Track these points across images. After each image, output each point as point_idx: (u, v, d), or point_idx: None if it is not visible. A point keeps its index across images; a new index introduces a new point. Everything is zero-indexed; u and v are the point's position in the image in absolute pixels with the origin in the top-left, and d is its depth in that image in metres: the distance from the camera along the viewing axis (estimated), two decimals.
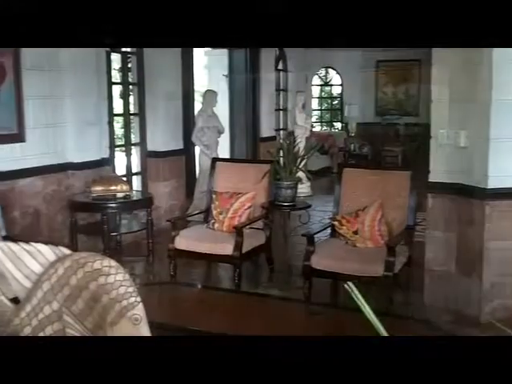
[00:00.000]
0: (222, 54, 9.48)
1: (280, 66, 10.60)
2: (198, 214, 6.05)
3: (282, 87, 10.69)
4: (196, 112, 7.83)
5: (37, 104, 5.35)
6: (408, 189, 4.83)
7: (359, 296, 1.33)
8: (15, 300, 2.56)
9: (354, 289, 1.35)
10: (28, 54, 5.18)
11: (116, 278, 2.33)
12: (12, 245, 2.42)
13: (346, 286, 1.43)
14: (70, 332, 2.37)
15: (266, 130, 9.90)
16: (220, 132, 7.63)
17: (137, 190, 6.63)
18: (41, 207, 5.45)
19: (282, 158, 5.11)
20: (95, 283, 2.32)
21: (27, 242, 2.45)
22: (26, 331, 2.44)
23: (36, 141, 5.35)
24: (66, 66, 5.59)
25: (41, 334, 2.41)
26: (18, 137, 5.18)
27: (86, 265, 2.33)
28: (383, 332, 1.38)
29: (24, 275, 2.43)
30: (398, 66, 12.75)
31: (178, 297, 5.12)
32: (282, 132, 10.75)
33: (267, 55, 9.70)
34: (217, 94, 7.62)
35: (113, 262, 2.35)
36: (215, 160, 6.06)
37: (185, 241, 5.17)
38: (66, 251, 2.42)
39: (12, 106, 5.10)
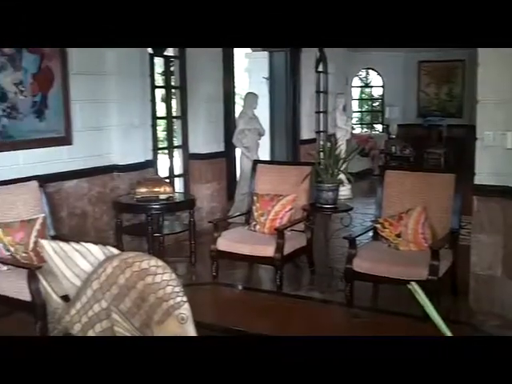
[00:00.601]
0: (262, 57, 9.53)
1: (320, 68, 10.58)
2: (239, 215, 6.09)
3: (322, 89, 10.66)
4: (237, 114, 7.89)
5: (83, 107, 5.47)
6: (452, 191, 4.76)
7: (423, 296, 1.33)
8: (65, 298, 2.64)
9: (418, 289, 1.35)
10: (74, 59, 5.31)
11: (163, 277, 2.39)
12: (63, 244, 2.50)
13: (409, 286, 1.42)
14: (118, 330, 2.43)
15: (306, 133, 9.89)
16: (260, 134, 7.67)
17: (179, 192, 6.72)
18: (87, 208, 5.57)
19: (323, 160, 5.09)
20: (143, 282, 2.38)
21: (76, 241, 2.54)
22: (76, 328, 2.52)
23: (82, 143, 5.47)
24: (111, 71, 5.71)
25: (90, 332, 2.48)
26: (66, 140, 5.31)
27: (133, 264, 2.39)
28: (447, 332, 1.38)
29: (74, 274, 2.51)
30: (441, 67, 12.58)
31: (220, 297, 5.17)
32: (322, 134, 10.72)
33: (307, 57, 9.70)
34: (257, 97, 7.66)
35: (160, 262, 2.40)
36: (256, 162, 6.09)
37: (227, 242, 5.21)
38: (115, 251, 2.48)
39: (60, 109, 5.23)
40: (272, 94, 9.42)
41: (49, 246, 2.49)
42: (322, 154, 5.47)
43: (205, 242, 6.02)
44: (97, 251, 2.47)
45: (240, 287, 5.49)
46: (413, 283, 1.40)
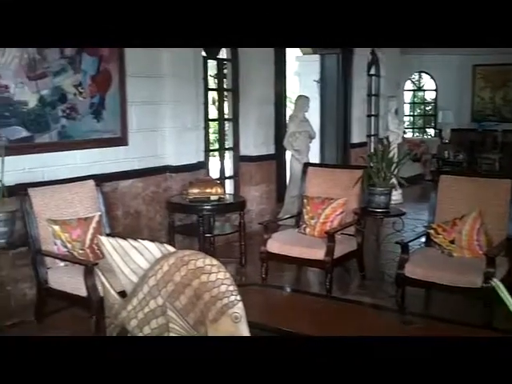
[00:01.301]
0: (313, 60, 9.52)
1: (372, 71, 10.49)
2: (289, 218, 6.10)
3: (373, 92, 10.57)
4: (287, 117, 7.91)
5: (139, 109, 5.60)
6: (509, 197, 4.66)
7: (506, 294, 1.30)
8: (122, 294, 2.71)
9: (501, 286, 1.33)
10: (131, 61, 5.44)
11: (217, 276, 2.42)
12: (121, 241, 2.57)
13: (492, 283, 1.42)
14: (173, 327, 2.48)
15: (357, 136, 9.82)
16: (311, 137, 7.66)
17: (230, 194, 6.78)
18: (141, 208, 5.70)
19: (375, 164, 5.05)
20: (198, 281, 2.42)
21: (134, 238, 2.60)
22: (133, 324, 2.58)
23: (137, 144, 5.60)
24: (166, 73, 5.82)
25: (146, 328, 2.54)
26: (122, 140, 5.44)
27: (189, 262, 2.43)
28: None
29: (131, 270, 2.57)
30: (497, 70, 12.27)
31: (269, 299, 5.18)
32: (373, 138, 10.63)
33: (359, 60, 9.63)
34: (309, 100, 7.66)
35: (214, 261, 2.44)
36: (307, 165, 6.09)
37: (277, 244, 5.23)
38: (171, 248, 2.53)
39: (116, 110, 5.37)
40: (323, 97, 9.39)
41: (107, 242, 2.55)
42: (374, 157, 5.39)
43: (254, 243, 6.06)
44: (154, 248, 2.52)
45: (289, 289, 5.50)
46: (495, 280, 1.39)
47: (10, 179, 4.14)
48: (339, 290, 5.19)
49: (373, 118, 10.63)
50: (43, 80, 4.75)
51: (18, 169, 4.52)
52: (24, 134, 4.66)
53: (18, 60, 4.54)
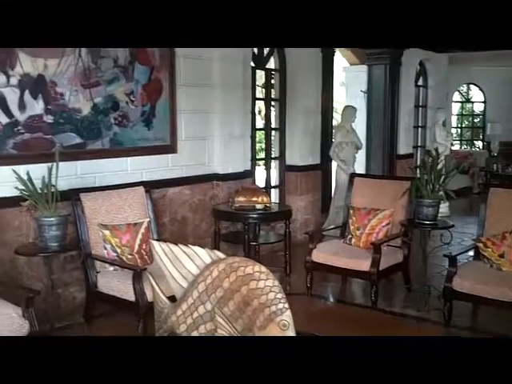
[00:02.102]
0: (360, 70, 9.49)
1: (420, 82, 10.38)
2: (334, 228, 6.08)
3: (421, 103, 10.45)
4: (334, 128, 7.90)
5: (188, 118, 5.68)
6: None
7: None
8: (171, 298, 2.75)
9: None
10: (182, 71, 5.54)
11: (266, 283, 2.44)
12: (172, 246, 2.62)
13: None
14: (222, 333, 2.51)
15: (404, 147, 9.72)
16: (358, 148, 7.63)
17: (275, 203, 6.80)
18: (187, 215, 5.77)
19: (424, 175, 4.99)
20: (246, 287, 2.45)
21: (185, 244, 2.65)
22: (182, 329, 2.62)
23: (186, 152, 5.69)
24: (215, 83, 5.90)
25: (194, 333, 2.57)
26: (171, 148, 5.54)
27: (238, 269, 2.47)
28: None
29: (181, 275, 2.62)
30: None
31: (314, 309, 5.17)
32: (419, 149, 10.50)
33: (407, 70, 9.55)
34: (356, 110, 7.64)
35: (263, 268, 2.46)
36: (353, 175, 6.07)
37: (322, 254, 5.22)
38: (221, 255, 2.57)
39: (166, 119, 5.47)
40: (369, 108, 9.35)
41: (159, 247, 2.61)
42: (421, 168, 5.33)
43: (298, 253, 6.06)
44: (204, 254, 2.56)
45: (334, 300, 5.48)
46: None
47: (63, 184, 4.25)
48: (384, 301, 5.15)
49: (420, 129, 10.51)
50: (97, 88, 4.88)
51: (70, 174, 4.65)
52: (77, 140, 4.79)
53: (73, 68, 4.68)
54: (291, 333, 2.42)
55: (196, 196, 5.86)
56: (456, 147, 12.98)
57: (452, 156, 10.10)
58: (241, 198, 5.68)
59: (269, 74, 7.22)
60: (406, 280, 5.42)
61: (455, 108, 13.73)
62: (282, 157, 7.33)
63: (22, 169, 4.08)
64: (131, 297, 4.04)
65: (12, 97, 4.34)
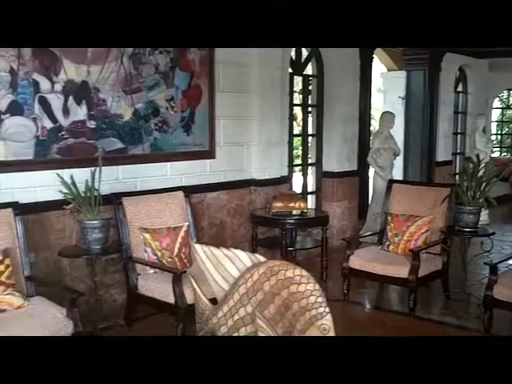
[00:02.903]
0: (398, 76, 9.43)
1: (460, 88, 10.26)
2: (372, 234, 6.06)
3: (460, 109, 10.32)
4: (371, 134, 7.86)
5: (226, 124, 5.74)
6: None
7: None
8: (212, 301, 2.79)
9: None
10: (221, 77, 5.60)
11: (307, 287, 2.47)
12: (214, 249, 2.66)
13: None
14: (262, 335, 2.54)
15: (442, 154, 9.62)
16: (396, 154, 7.58)
17: (312, 209, 6.81)
18: (225, 219, 5.83)
19: (465, 182, 4.93)
20: (287, 291, 2.47)
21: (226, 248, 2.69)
22: (223, 330, 2.65)
23: (224, 158, 5.74)
24: (253, 89, 5.95)
25: (235, 335, 2.61)
26: (209, 153, 5.60)
27: (279, 272, 2.49)
28: None
29: (223, 277, 2.66)
30: None
31: (351, 315, 5.15)
32: (458, 156, 10.36)
33: (447, 76, 9.45)
34: (394, 116, 7.60)
35: (304, 272, 2.49)
36: (392, 182, 6.03)
37: (359, 260, 5.21)
38: (262, 258, 2.60)
39: (205, 124, 5.53)
40: (407, 114, 9.27)
41: (201, 250, 2.65)
42: (462, 175, 5.28)
43: (334, 259, 6.04)
44: (245, 257, 2.60)
45: (371, 306, 5.44)
46: None
47: (105, 188, 4.34)
48: (422, 309, 5.09)
49: (459, 135, 10.38)
50: (138, 94, 4.98)
51: (112, 179, 4.75)
52: (119, 145, 4.89)
53: (115, 75, 4.78)
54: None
55: (234, 201, 5.90)
56: (496, 154, 12.75)
57: (492, 163, 9.93)
58: (278, 204, 5.70)
59: (306, 79, 7.23)
60: (445, 288, 5.35)
61: (495, 114, 13.50)
62: (318, 163, 7.33)
63: (65, 173, 4.18)
64: (171, 299, 4.09)
65: (56, 103, 4.45)
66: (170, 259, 4.48)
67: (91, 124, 4.68)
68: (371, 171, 7.90)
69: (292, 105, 6.88)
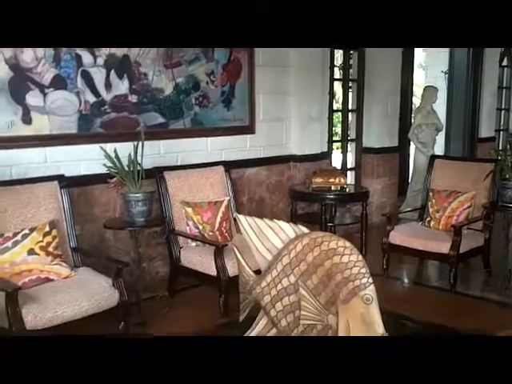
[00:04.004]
0: (441, 50, 9.22)
1: (505, 62, 9.97)
2: (413, 210, 6.02)
3: (505, 85, 10.05)
4: (413, 109, 7.74)
5: (266, 98, 5.73)
6: None
7: None
8: (256, 271, 2.82)
9: None
10: (260, 52, 5.58)
11: (350, 258, 2.47)
12: (257, 220, 2.68)
13: None
14: (305, 305, 2.56)
15: (485, 130, 9.39)
16: (438, 130, 7.45)
17: (352, 184, 6.78)
18: (264, 195, 5.85)
19: (509, 157, 4.83)
20: (330, 261, 2.48)
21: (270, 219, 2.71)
22: (266, 300, 2.68)
23: (263, 133, 5.74)
24: (293, 63, 5.91)
25: (278, 304, 2.63)
26: (249, 129, 5.61)
27: (322, 243, 2.50)
28: None
29: (266, 248, 2.67)
30: None
31: (390, 290, 5.13)
32: (501, 133, 10.12)
33: (491, 50, 9.19)
34: (437, 91, 7.44)
35: (347, 243, 2.49)
36: (434, 157, 5.95)
37: (400, 236, 5.18)
38: (305, 229, 2.61)
39: (245, 99, 5.53)
40: (450, 89, 9.08)
41: (245, 220, 2.67)
42: (507, 150, 5.17)
43: (373, 235, 6.03)
44: (288, 229, 2.61)
45: (410, 282, 5.43)
46: None
47: (147, 162, 4.38)
48: (462, 285, 5.05)
49: (503, 111, 10.12)
50: (178, 68, 5.00)
51: (154, 153, 4.80)
52: (160, 120, 4.94)
53: (155, 49, 4.81)
54: (374, 307, 2.44)
55: (273, 177, 5.92)
56: None
57: None
58: (318, 179, 5.69)
59: (347, 54, 7.14)
60: (486, 264, 5.29)
61: None
62: (358, 139, 7.26)
63: (108, 147, 4.25)
64: (213, 271, 4.16)
65: (98, 77, 4.51)
66: (211, 233, 4.53)
67: (133, 98, 4.73)
68: (412, 148, 7.79)
69: (332, 79, 6.80)
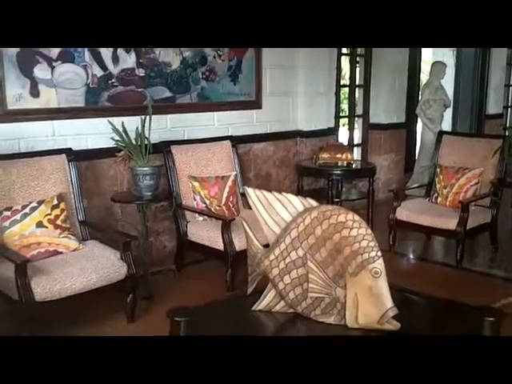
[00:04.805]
0: None
1: None
2: (420, 186, 5.99)
3: None
4: (421, 86, 7.67)
5: (273, 73, 5.68)
6: None
7: None
8: (265, 246, 2.83)
9: None
10: None
11: (359, 231, 2.47)
12: (266, 193, 2.68)
13: None
14: (313, 277, 2.56)
15: (493, 107, 9.33)
16: (446, 105, 7.40)
17: (360, 160, 6.76)
18: (271, 170, 5.84)
19: None
20: (339, 235, 2.48)
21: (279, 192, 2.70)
22: (274, 273, 2.69)
23: (270, 108, 5.71)
24: None
25: (286, 277, 2.64)
26: (256, 104, 5.58)
27: (331, 217, 2.50)
28: None
29: (274, 221, 2.67)
30: None
31: (397, 266, 5.14)
32: (510, 109, 10.05)
33: None
34: (445, 66, 7.38)
35: (356, 217, 2.48)
36: (442, 133, 5.91)
37: (407, 212, 5.18)
38: (314, 203, 2.61)
39: (252, 74, 5.49)
40: (458, 65, 8.99)
41: (253, 193, 2.67)
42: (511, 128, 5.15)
43: (380, 211, 6.02)
44: (297, 202, 2.61)
45: (417, 258, 5.44)
46: None
47: (154, 137, 4.36)
48: (469, 261, 5.06)
49: (511, 88, 10.04)
50: None
51: (160, 127, 4.79)
52: (167, 94, 4.91)
53: None
54: (383, 280, 2.45)
55: (279, 152, 5.90)
56: None
57: None
58: (325, 155, 5.68)
59: None
60: (493, 240, 5.29)
61: None
62: (365, 114, 7.22)
63: (115, 121, 4.22)
64: (220, 246, 4.17)
65: (106, 50, 4.48)
66: (218, 207, 4.54)
67: (140, 72, 4.71)
68: (419, 124, 7.75)
69: (340, 54, 6.74)
